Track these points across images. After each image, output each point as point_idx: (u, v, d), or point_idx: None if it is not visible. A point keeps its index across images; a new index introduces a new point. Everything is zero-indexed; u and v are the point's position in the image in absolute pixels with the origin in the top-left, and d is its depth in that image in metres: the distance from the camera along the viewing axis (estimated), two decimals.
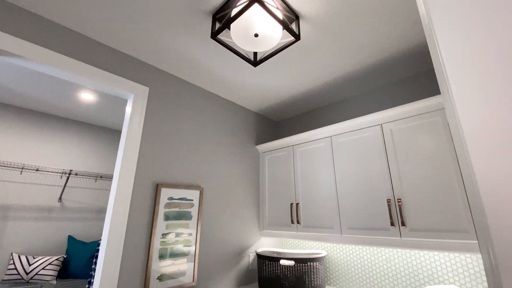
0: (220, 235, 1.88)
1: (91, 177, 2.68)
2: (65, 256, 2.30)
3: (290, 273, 1.74)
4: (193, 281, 1.61)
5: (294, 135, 2.04)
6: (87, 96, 2.30)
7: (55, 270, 2.15)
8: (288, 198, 2.00)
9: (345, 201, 1.68)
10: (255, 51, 1.36)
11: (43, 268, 2.09)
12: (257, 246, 2.14)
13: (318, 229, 1.77)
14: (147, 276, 1.43)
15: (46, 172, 2.48)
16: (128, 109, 1.65)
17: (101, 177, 2.81)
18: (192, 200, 1.74)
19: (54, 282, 2.11)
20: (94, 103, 2.44)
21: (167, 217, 1.59)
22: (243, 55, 1.45)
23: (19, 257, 2.11)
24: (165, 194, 1.61)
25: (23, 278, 2.03)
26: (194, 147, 1.88)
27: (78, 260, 2.30)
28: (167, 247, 1.55)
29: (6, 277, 1.99)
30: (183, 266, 1.59)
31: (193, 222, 1.71)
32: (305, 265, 1.77)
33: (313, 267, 1.75)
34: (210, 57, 1.65)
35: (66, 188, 2.61)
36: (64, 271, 2.27)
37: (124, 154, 1.50)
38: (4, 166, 2.28)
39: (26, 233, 2.32)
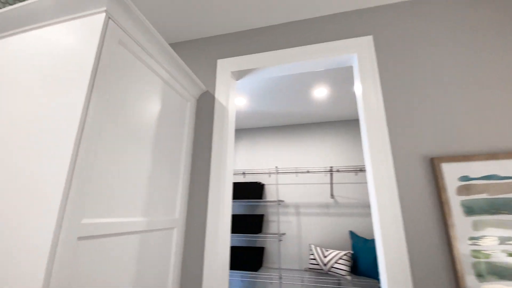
0: None
1: (351, 171, 2.59)
2: (352, 252, 2.27)
3: None
4: None
5: None
6: (320, 92, 2.29)
7: (347, 266, 2.16)
8: None
9: None
10: None
11: (336, 262, 2.19)
12: None
13: None
14: None
15: (314, 172, 2.75)
16: (356, 75, 1.29)
17: (360, 170, 2.64)
18: None
19: (349, 277, 2.11)
20: (328, 98, 2.39)
21: (470, 210, 0.93)
22: None
23: (315, 248, 2.40)
24: (452, 172, 0.98)
25: (322, 269, 2.23)
26: (475, 87, 1.06)
27: (364, 258, 2.17)
28: (488, 261, 0.88)
29: (310, 266, 2.30)
30: None
31: None
32: None
33: None
34: None
35: (333, 184, 2.72)
36: (355, 267, 2.23)
37: (368, 133, 1.13)
38: (284, 172, 2.85)
39: (314, 227, 2.64)
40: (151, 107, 1.02)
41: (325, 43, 1.30)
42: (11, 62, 0.86)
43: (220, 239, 1.17)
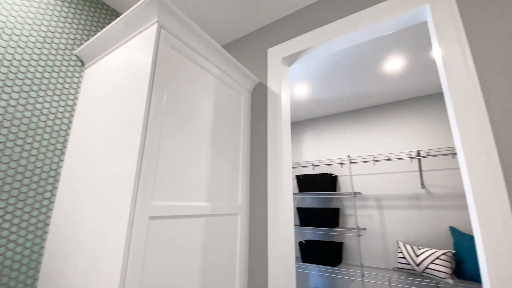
0: None
1: (446, 154, 2.13)
2: (454, 252, 1.87)
3: None
4: None
5: None
6: (394, 64, 1.98)
7: (447, 267, 1.78)
8: None
9: None
10: None
11: (431, 262, 1.83)
12: None
13: None
14: None
15: (396, 159, 2.39)
16: (432, 33, 1.05)
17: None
18: None
19: (451, 281, 1.73)
20: (405, 71, 2.04)
21: None
22: None
23: (404, 246, 2.08)
24: None
25: (414, 270, 1.91)
26: None
27: (471, 259, 1.74)
28: None
29: (399, 265, 2.00)
30: None
31: None
32: None
33: None
34: None
35: (423, 172, 2.30)
36: (458, 269, 1.81)
37: (455, 105, 0.90)
38: (358, 161, 2.58)
39: (401, 222, 2.29)
40: (206, 102, 1.10)
41: (384, 1, 1.12)
42: (99, 82, 1.09)
43: (282, 231, 1.15)
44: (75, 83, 1.20)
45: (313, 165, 2.75)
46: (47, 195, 1.06)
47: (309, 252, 2.38)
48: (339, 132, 2.83)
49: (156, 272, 0.79)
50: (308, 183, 2.63)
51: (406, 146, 2.43)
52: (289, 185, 1.26)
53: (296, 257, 2.73)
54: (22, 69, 1.03)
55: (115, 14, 1.44)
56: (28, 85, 1.04)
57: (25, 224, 0.98)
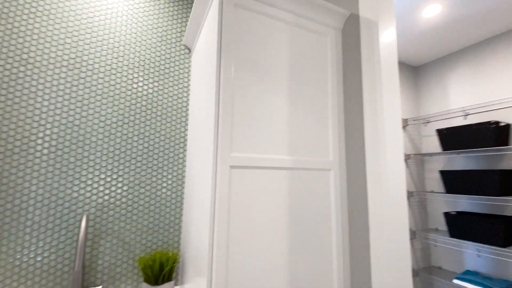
0: None
1: None
2: None
3: None
4: None
5: None
6: None
7: None
8: None
9: None
10: None
11: None
12: None
13: None
14: None
15: None
16: None
17: None
18: None
19: None
20: None
21: None
22: None
23: None
24: None
25: None
26: None
27: None
28: None
29: None
30: None
31: None
32: None
33: None
34: None
35: None
36: None
37: None
38: None
39: None
40: (281, 53, 1.06)
41: None
42: (198, 62, 1.29)
43: (385, 193, 0.94)
44: (186, 68, 1.49)
45: (465, 113, 2.00)
46: (181, 155, 1.41)
47: (461, 226, 1.83)
48: (507, 61, 1.86)
49: (241, 218, 0.89)
50: (457, 138, 1.96)
51: None
52: (397, 141, 1.00)
53: (442, 231, 2.17)
54: (151, 64, 1.39)
55: None
56: (157, 76, 1.40)
57: (170, 176, 1.37)
